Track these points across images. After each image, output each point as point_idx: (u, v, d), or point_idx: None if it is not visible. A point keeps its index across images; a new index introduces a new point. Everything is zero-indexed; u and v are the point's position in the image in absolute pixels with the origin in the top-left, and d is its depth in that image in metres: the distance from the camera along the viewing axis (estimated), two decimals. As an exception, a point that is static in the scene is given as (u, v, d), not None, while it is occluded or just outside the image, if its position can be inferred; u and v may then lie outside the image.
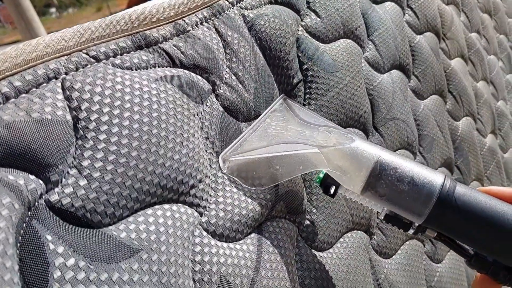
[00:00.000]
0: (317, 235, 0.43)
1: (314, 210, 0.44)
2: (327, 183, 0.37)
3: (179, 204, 0.32)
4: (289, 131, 0.40)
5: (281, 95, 0.46)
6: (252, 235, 0.37)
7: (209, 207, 0.34)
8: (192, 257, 0.31)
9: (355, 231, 0.47)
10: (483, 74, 0.95)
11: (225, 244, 0.34)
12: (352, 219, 0.47)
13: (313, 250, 0.41)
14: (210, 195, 0.35)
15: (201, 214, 0.34)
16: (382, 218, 0.36)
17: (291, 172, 0.37)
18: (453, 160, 0.72)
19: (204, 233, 0.33)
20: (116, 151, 0.28)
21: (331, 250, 0.43)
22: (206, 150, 0.35)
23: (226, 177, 0.36)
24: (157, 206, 0.30)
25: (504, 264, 0.33)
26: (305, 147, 0.37)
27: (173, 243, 0.29)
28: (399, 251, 0.53)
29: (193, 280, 0.31)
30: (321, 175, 0.38)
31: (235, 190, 0.36)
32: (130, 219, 0.28)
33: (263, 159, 0.37)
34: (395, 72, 0.63)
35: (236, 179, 0.37)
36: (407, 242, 0.55)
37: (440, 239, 0.35)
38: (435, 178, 0.33)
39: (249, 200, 0.37)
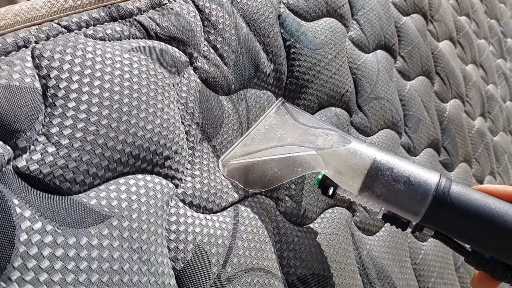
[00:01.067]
0: (296, 210, 0.43)
1: (293, 186, 0.44)
2: (325, 184, 0.38)
3: (153, 175, 0.32)
4: (288, 134, 0.41)
5: (280, 99, 0.47)
6: (229, 208, 0.37)
7: (185, 179, 0.34)
8: (167, 226, 0.31)
9: (336, 207, 0.47)
10: (472, 57, 0.95)
11: (201, 215, 0.34)
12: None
13: (291, 224, 0.42)
14: (187, 168, 0.35)
15: (176, 186, 0.34)
16: (380, 217, 0.37)
17: (290, 174, 0.38)
18: (440, 141, 0.72)
19: (180, 204, 0.33)
20: (86, 119, 0.28)
21: (311, 225, 0.43)
22: (183, 122, 0.35)
23: (204, 151, 0.36)
24: (129, 176, 0.30)
25: (501, 260, 0.33)
26: (303, 149, 0.38)
27: (145, 211, 0.29)
28: (382, 229, 0.53)
29: (168, 248, 0.31)
30: (320, 177, 0.39)
31: (212, 164, 0.36)
32: (101, 187, 0.28)
33: (262, 162, 0.38)
34: (380, 52, 0.63)
35: (236, 182, 0.38)
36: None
37: (438, 237, 0.35)
38: (431, 177, 0.34)
39: (223, 179, 0.37)
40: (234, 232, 0.35)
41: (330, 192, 0.38)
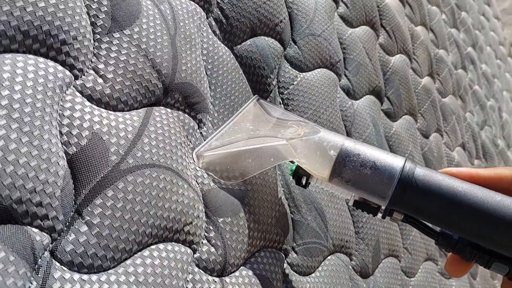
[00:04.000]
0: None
1: (216, 115, 0.43)
2: (298, 174, 0.40)
3: (48, 60, 0.30)
4: (261, 127, 0.42)
5: (255, 96, 0.47)
6: (140, 110, 0.36)
7: (87, 72, 0.33)
8: (60, 111, 0.30)
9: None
10: (422, 19, 0.96)
11: (103, 110, 0.33)
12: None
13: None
14: (91, 61, 0.33)
15: (76, 77, 0.32)
16: (352, 204, 0.38)
17: (263, 164, 0.39)
18: (383, 90, 0.73)
19: (78, 94, 0.32)
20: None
21: None
22: (88, 13, 0.34)
23: (114, 42, 0.35)
24: (19, 54, 0.29)
25: (468, 240, 0.34)
26: (275, 140, 0.40)
27: (31, 87, 0.28)
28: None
29: (60, 132, 0.29)
30: (293, 168, 0.40)
31: (123, 57, 0.35)
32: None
33: (236, 153, 0.39)
34: (320, -6, 0.63)
35: (211, 174, 0.38)
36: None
37: (408, 221, 0.36)
38: (396, 161, 0.35)
39: (137, 76, 0.35)
40: (141, 130, 0.34)
41: (304, 182, 0.40)
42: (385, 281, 0.56)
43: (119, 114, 0.33)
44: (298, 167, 0.39)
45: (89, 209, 0.29)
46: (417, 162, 0.74)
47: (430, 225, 0.36)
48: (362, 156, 0.36)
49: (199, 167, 0.38)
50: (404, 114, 0.77)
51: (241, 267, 0.38)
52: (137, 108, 0.35)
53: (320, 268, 0.47)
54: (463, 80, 1.12)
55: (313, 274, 0.46)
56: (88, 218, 0.28)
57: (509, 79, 1.72)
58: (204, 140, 0.41)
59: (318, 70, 0.58)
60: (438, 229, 0.36)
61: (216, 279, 0.35)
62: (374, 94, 0.70)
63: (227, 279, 0.36)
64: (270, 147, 0.39)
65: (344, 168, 0.36)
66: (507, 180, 0.34)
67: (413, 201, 0.34)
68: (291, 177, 0.40)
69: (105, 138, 0.31)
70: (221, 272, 0.36)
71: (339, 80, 0.63)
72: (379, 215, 0.37)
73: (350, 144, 0.37)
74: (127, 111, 0.35)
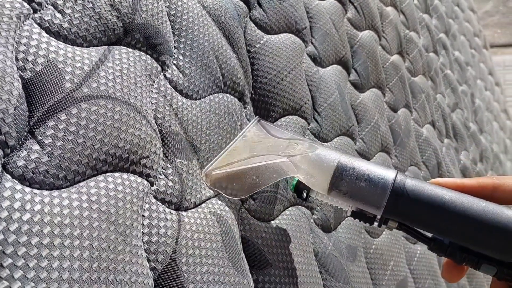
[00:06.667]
0: (186, 82, 0.43)
1: (181, 58, 0.44)
2: (299, 188, 0.43)
3: (5, -10, 0.32)
4: (263, 145, 0.46)
5: (256, 117, 0.50)
6: (100, 47, 0.37)
7: (46, 6, 0.34)
8: (17, 39, 0.31)
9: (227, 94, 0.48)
10: (392, 0, 0.98)
11: (61, 42, 0.34)
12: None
13: (176, 92, 0.42)
14: (48, -3, 0.34)
15: (35, 11, 0.33)
16: (350, 215, 0.41)
17: (267, 180, 0.42)
18: (350, 61, 0.75)
19: (36, 25, 0.33)
20: None
21: (197, 102, 0.44)
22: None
23: None
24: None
25: (458, 244, 0.37)
26: (276, 157, 0.43)
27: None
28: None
29: (16, 58, 0.30)
30: (294, 183, 0.43)
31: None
32: None
33: (241, 171, 0.43)
34: (286, -37, 0.64)
35: (219, 191, 0.42)
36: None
37: (401, 228, 0.39)
38: (388, 174, 0.38)
39: (96, 13, 0.36)
40: (98, 64, 0.35)
41: (304, 195, 0.43)
42: (347, 236, 0.58)
43: (77, 48, 0.35)
44: (298, 182, 0.43)
45: (42, 130, 0.30)
46: (383, 132, 0.76)
47: (422, 231, 0.39)
48: (357, 170, 0.39)
49: (208, 186, 0.41)
50: (371, 86, 0.80)
51: (198, 206, 0.40)
52: (96, 46, 0.36)
53: (280, 217, 0.48)
54: (434, 63, 1.15)
55: (272, 222, 0.47)
56: (40, 138, 0.29)
57: (483, 69, 1.76)
58: (171, 86, 0.42)
59: (284, 34, 0.60)
60: (430, 235, 0.39)
61: (173, 211, 0.37)
62: (341, 65, 0.72)
63: (183, 213, 0.38)
64: (273, 164, 0.42)
65: (341, 181, 0.39)
66: (488, 188, 0.37)
67: (405, 210, 0.37)
68: (293, 191, 0.44)
69: (60, 66, 0.32)
70: (178, 205, 0.37)
71: (306, 47, 0.64)
72: (375, 224, 0.40)
73: (346, 159, 0.40)
74: (86, 47, 0.36)
